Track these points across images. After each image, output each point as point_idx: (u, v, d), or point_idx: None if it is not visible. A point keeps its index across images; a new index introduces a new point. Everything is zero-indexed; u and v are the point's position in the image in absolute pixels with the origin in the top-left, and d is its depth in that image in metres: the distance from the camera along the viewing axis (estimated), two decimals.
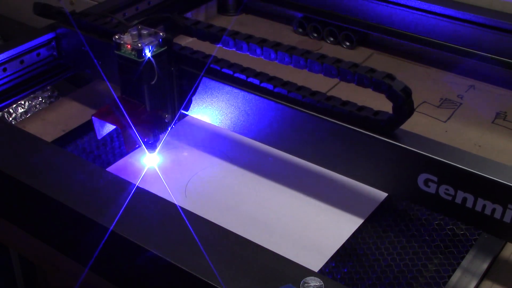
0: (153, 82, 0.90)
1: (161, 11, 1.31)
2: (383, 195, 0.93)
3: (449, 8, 1.20)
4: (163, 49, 0.90)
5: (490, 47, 1.19)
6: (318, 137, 0.87)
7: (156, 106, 0.93)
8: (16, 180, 0.81)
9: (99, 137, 0.96)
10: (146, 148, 0.95)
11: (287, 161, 0.99)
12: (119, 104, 0.90)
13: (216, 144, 1.04)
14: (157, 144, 0.96)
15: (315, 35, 1.38)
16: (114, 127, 0.94)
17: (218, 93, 0.94)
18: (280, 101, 0.88)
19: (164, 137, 0.96)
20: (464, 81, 1.23)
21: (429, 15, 1.23)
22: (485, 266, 0.83)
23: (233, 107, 0.93)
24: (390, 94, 0.79)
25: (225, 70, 0.92)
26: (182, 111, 0.98)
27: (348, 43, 1.35)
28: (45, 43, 1.10)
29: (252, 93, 0.90)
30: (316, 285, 0.64)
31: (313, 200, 0.93)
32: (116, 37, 0.89)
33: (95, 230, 0.74)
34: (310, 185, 0.95)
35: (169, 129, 0.96)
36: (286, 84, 0.89)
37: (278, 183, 0.96)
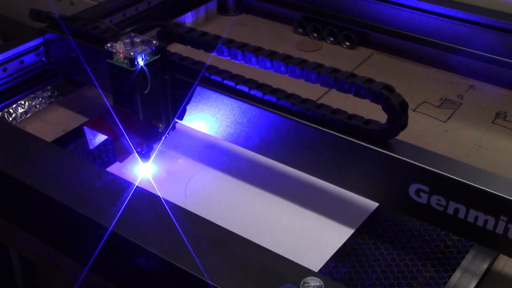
0: (146, 92, 0.88)
1: (161, 11, 1.31)
2: (374, 204, 0.91)
3: (449, 8, 1.20)
4: (156, 57, 0.87)
5: (489, 47, 1.19)
6: (309, 145, 0.86)
7: (150, 115, 0.91)
8: (16, 180, 0.81)
9: (91, 147, 0.94)
10: (140, 158, 0.93)
11: (279, 170, 0.98)
12: (112, 113, 0.88)
13: (211, 151, 1.03)
14: (151, 153, 0.94)
15: (315, 35, 1.38)
16: (106, 137, 0.92)
17: (211, 102, 0.92)
18: (269, 109, 0.87)
19: (158, 147, 0.94)
20: (464, 81, 1.23)
21: (429, 15, 1.23)
22: (485, 266, 0.83)
23: (224, 116, 0.92)
24: (387, 106, 0.78)
25: (218, 79, 0.91)
26: (177, 120, 0.96)
27: (348, 43, 1.35)
28: (33, 49, 1.09)
29: (241, 100, 0.88)
30: (316, 285, 0.64)
31: (304, 208, 0.92)
32: (108, 45, 0.87)
33: (95, 230, 0.74)
34: (301, 194, 0.94)
35: (163, 138, 0.94)
36: (275, 91, 0.87)
37: (269, 192, 0.95)
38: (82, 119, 1.10)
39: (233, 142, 0.94)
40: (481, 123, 1.11)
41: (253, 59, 0.88)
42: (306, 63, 0.84)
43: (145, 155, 0.93)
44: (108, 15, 1.21)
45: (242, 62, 0.89)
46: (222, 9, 1.51)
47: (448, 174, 0.76)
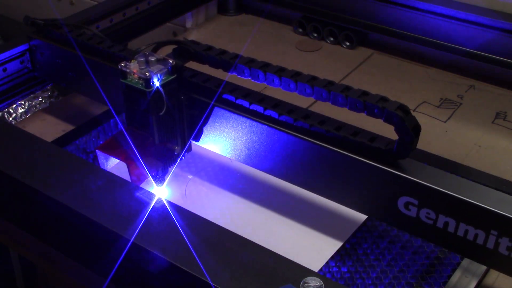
0: (161, 113, 0.83)
1: (161, 11, 1.31)
2: (363, 216, 0.90)
3: (449, 8, 1.20)
4: (172, 77, 0.83)
5: (490, 47, 1.19)
6: (296, 157, 0.84)
7: (165, 137, 0.87)
8: (16, 180, 0.81)
9: None
10: (154, 182, 0.88)
11: (271, 182, 0.97)
12: (126, 135, 0.84)
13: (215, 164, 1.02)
14: (165, 177, 0.89)
15: (315, 35, 1.38)
16: (119, 160, 0.88)
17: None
18: (261, 121, 0.84)
19: (172, 169, 0.90)
20: (464, 81, 1.23)
21: (429, 15, 1.23)
22: (485, 266, 0.83)
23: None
24: (401, 129, 0.74)
25: (239, 101, 0.86)
26: (193, 141, 0.92)
27: (348, 43, 1.35)
28: (19, 55, 1.08)
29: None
30: (316, 285, 0.64)
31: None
32: (122, 64, 0.82)
33: (95, 230, 0.74)
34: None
35: (178, 160, 0.90)
36: (308, 116, 0.83)
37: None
38: (82, 119, 1.10)
39: (251, 165, 0.89)
40: (481, 123, 1.11)
41: (276, 80, 0.83)
42: (333, 85, 0.79)
43: (159, 179, 0.89)
44: (107, 15, 1.21)
45: (264, 83, 0.84)
46: (222, 9, 1.51)
47: (438, 187, 0.74)
